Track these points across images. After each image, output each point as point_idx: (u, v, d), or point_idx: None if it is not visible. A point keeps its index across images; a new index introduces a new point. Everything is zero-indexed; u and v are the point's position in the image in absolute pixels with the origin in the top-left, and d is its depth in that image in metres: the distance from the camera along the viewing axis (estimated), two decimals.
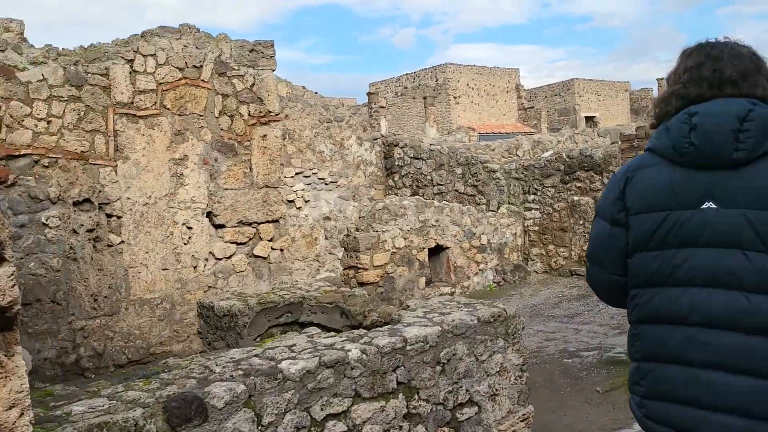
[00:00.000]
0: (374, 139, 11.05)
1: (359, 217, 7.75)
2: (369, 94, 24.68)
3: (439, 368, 3.06)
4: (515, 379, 3.39)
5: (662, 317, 1.59)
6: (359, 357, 2.75)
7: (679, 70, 1.67)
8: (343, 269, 7.57)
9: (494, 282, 8.76)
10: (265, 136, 6.30)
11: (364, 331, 3.13)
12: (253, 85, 6.38)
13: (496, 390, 3.29)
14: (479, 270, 8.61)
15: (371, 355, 2.79)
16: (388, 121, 30.97)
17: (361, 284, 7.42)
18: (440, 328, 3.08)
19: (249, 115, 6.32)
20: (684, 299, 1.55)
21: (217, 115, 6.09)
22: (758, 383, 1.47)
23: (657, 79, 41.44)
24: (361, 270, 7.35)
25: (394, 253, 7.58)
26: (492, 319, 3.31)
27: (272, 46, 6.43)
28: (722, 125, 1.52)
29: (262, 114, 6.36)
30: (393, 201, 7.76)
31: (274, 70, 6.47)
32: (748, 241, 1.49)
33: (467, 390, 3.17)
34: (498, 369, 3.31)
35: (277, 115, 6.31)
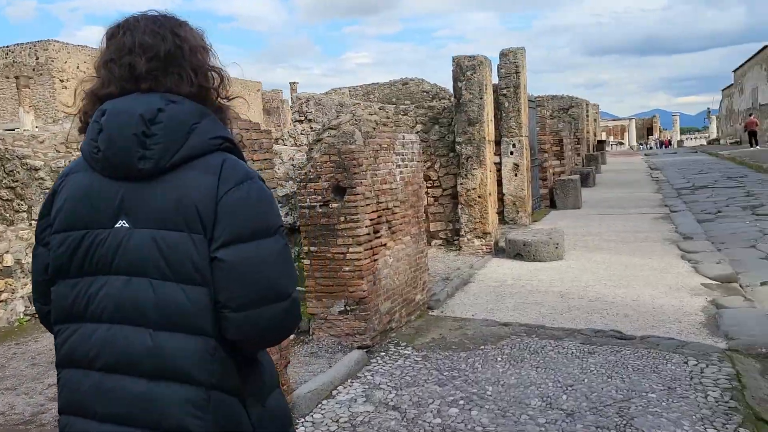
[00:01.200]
0: None
1: None
2: None
3: None
4: None
5: (77, 360, 1.30)
6: None
7: (100, 63, 1.35)
8: None
9: (26, 315, 6.72)
10: None
11: None
12: None
13: None
14: (1, 301, 6.45)
15: None
16: None
17: None
18: None
19: None
20: (95, 338, 1.28)
21: None
22: None
23: (290, 83, 44.20)
24: None
25: None
26: None
27: None
28: (125, 128, 1.25)
29: None
30: None
31: None
32: (156, 267, 1.25)
33: None
34: None
35: None
